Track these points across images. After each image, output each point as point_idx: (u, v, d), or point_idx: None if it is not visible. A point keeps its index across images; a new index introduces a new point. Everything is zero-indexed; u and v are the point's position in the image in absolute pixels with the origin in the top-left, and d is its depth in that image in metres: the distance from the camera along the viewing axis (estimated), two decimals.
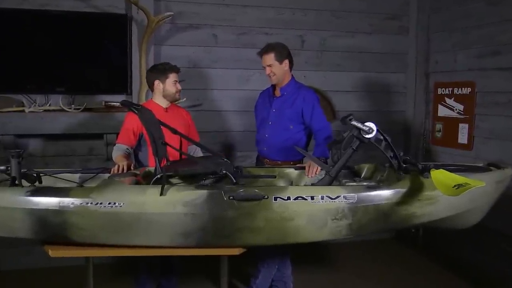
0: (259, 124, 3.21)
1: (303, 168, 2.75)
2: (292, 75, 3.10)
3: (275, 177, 2.65)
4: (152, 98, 2.98)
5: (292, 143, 2.97)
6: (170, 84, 2.89)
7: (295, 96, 3.03)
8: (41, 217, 2.07)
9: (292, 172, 2.75)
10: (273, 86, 3.14)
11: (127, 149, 2.82)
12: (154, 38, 3.72)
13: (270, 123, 3.09)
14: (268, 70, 3.00)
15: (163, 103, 2.93)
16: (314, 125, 3.00)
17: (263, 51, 3.01)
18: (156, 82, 2.90)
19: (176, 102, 3.04)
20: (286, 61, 3.01)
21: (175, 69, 2.92)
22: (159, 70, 2.91)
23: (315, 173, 2.67)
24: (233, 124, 4.07)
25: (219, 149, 3.95)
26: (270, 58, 2.98)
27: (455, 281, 3.55)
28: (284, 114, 3.04)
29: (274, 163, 3.03)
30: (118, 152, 2.77)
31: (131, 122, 2.81)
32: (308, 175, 2.69)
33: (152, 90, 2.97)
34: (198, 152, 3.02)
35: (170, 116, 2.89)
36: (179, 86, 2.93)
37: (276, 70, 2.98)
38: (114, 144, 2.88)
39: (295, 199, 2.14)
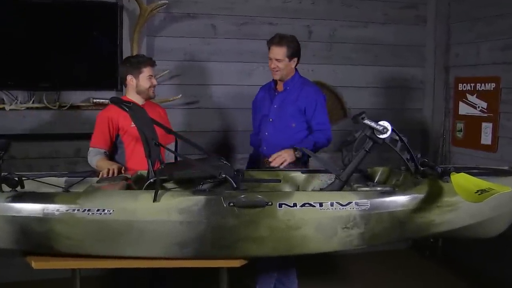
0: (258, 121, 3.21)
1: (311, 171, 2.75)
2: (296, 69, 3.10)
3: (280, 181, 2.65)
4: (126, 95, 2.97)
5: (295, 142, 2.97)
6: (144, 79, 2.87)
7: (298, 92, 3.05)
8: (23, 225, 2.07)
9: (298, 175, 2.75)
10: (275, 80, 3.14)
11: (105, 152, 2.82)
12: (147, 29, 3.73)
13: (270, 120, 3.10)
14: (274, 63, 2.99)
15: (138, 99, 2.91)
16: (313, 125, 3.04)
17: (275, 42, 2.98)
18: (129, 78, 2.88)
19: (152, 99, 3.02)
20: (295, 59, 3.03)
21: (150, 63, 2.90)
22: (132, 64, 2.89)
23: (281, 164, 2.82)
24: (234, 123, 4.08)
25: (218, 151, 3.94)
26: (281, 52, 2.96)
27: None
28: (286, 110, 3.05)
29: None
30: (97, 156, 2.78)
31: (106, 123, 2.80)
32: (273, 164, 2.82)
33: (125, 86, 2.96)
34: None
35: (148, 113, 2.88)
36: (154, 81, 2.92)
37: (283, 66, 2.98)
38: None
39: (302, 205, 2.14)
